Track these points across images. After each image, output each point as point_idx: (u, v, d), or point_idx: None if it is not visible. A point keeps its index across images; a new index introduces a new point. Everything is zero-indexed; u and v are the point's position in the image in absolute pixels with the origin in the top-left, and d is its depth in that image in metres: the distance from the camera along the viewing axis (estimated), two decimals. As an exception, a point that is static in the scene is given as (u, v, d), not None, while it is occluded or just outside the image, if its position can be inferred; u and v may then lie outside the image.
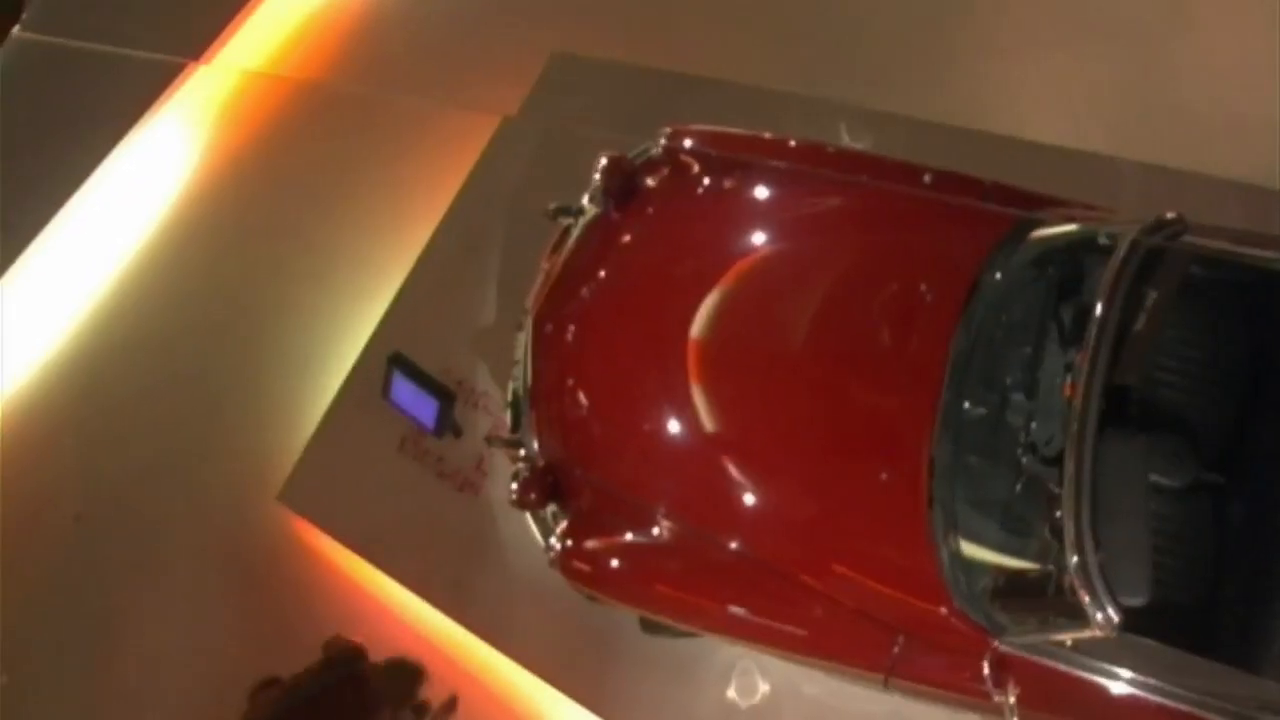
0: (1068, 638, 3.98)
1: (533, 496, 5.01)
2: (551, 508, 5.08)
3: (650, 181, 5.39)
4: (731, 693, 5.73)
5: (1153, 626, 3.99)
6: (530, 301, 5.37)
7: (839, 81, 7.10)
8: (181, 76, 9.09)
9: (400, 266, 7.42)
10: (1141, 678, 4.08)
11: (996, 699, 4.13)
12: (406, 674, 5.98)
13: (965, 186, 4.97)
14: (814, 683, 5.54)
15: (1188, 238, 4.38)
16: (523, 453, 5.20)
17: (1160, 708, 4.09)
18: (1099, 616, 3.77)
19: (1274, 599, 4.12)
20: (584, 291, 5.26)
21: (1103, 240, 4.47)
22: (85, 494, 7.54)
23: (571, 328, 5.20)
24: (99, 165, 8.65)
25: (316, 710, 5.53)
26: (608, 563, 4.95)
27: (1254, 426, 4.63)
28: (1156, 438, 4.34)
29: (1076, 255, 4.60)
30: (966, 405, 4.38)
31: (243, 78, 9.16)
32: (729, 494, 4.73)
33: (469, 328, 6.97)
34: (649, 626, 5.48)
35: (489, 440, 5.86)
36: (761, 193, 5.19)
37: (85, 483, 7.58)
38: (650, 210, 5.34)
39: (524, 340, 5.31)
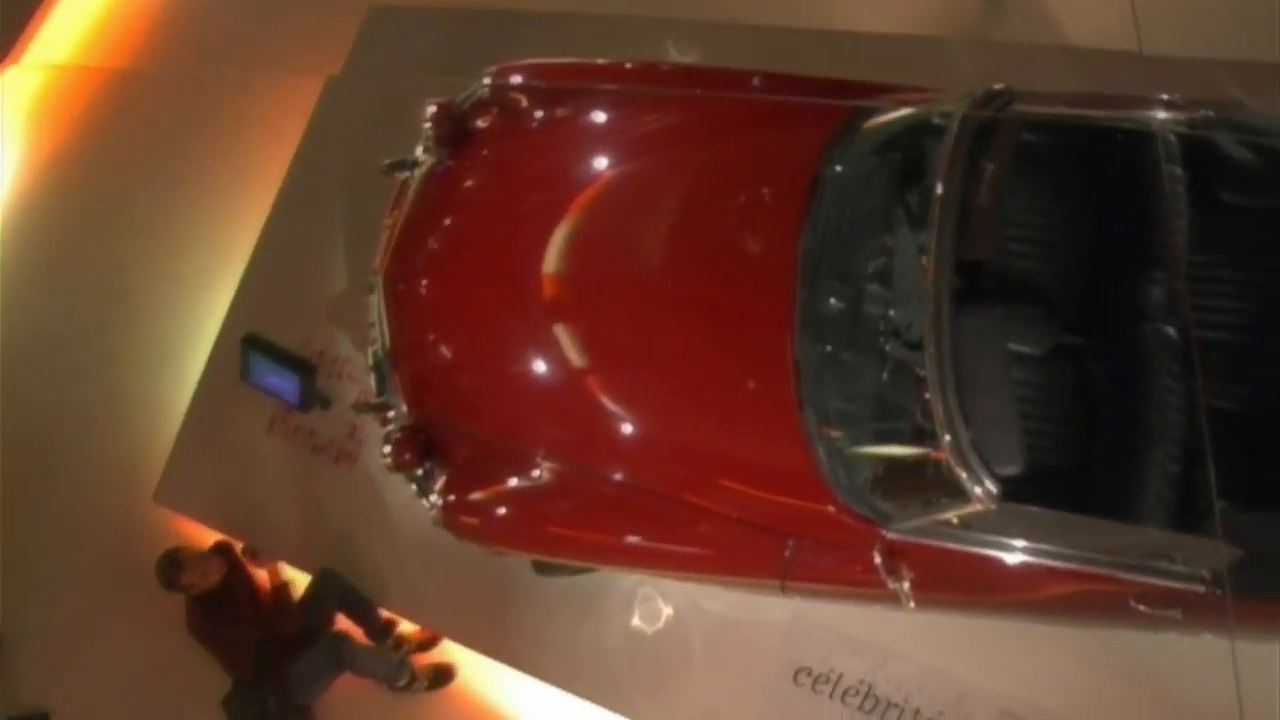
0: (952, 516, 4.03)
1: (407, 457, 4.93)
2: (429, 465, 4.99)
3: (481, 123, 5.29)
4: (636, 620, 5.76)
5: (1033, 493, 4.05)
6: (377, 261, 5.25)
7: (658, -1, 7.06)
8: (-7, 81, 8.77)
9: (244, 245, 7.23)
10: (1029, 544, 4.17)
11: (891, 586, 4.18)
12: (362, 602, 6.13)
13: (795, 85, 4.94)
14: (715, 599, 5.60)
15: (1018, 106, 4.41)
16: (391, 414, 5.11)
17: (1051, 570, 4.19)
18: (977, 490, 3.83)
19: (1143, 448, 4.19)
20: (430, 243, 5.15)
21: (936, 120, 4.48)
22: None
23: (423, 282, 5.10)
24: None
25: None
26: (494, 512, 4.89)
27: (1106, 285, 4.70)
28: (1012, 308, 4.40)
29: (915, 138, 4.60)
30: (823, 302, 4.38)
31: (54, 73, 8.81)
32: (605, 426, 4.70)
33: (322, 297, 6.83)
34: (543, 568, 5.47)
35: (356, 407, 5.76)
36: (594, 119, 5.12)
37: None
38: (485, 152, 5.25)
39: (376, 301, 5.19)
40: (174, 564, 5.73)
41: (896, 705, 5.30)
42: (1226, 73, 5.43)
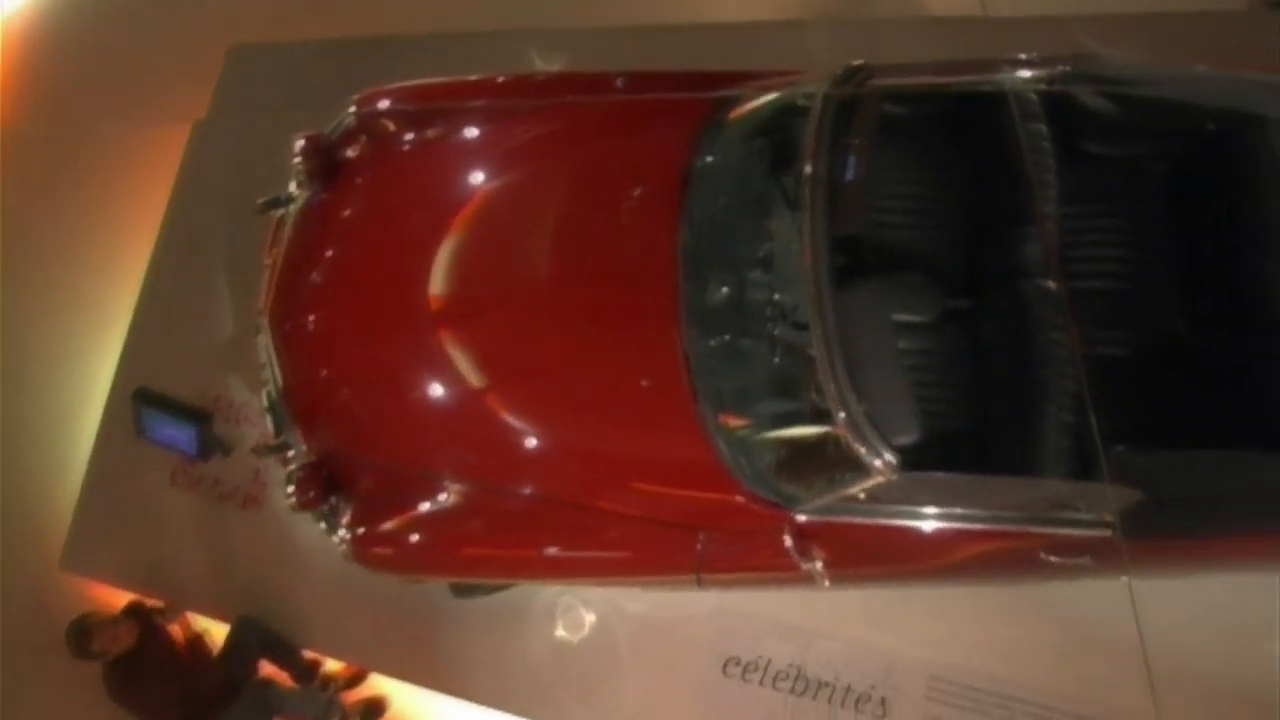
0: (857, 491, 4.06)
1: (311, 495, 4.87)
2: (334, 501, 4.94)
3: (351, 153, 5.24)
4: (561, 631, 5.75)
5: (935, 458, 4.11)
6: (261, 302, 5.19)
7: (519, 8, 7.02)
8: None
9: (127, 299, 7.11)
10: (937, 509, 4.23)
11: (805, 568, 4.21)
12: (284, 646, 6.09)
13: (658, 82, 4.96)
14: (636, 600, 5.61)
15: (878, 80, 4.46)
16: (291, 454, 5.05)
17: (961, 533, 4.25)
18: (877, 463, 3.88)
19: (1037, 402, 4.25)
20: (312, 278, 5.10)
21: (801, 102, 4.52)
22: None
23: (309, 317, 5.04)
24: None
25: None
26: (407, 540, 4.86)
27: (985, 247, 4.76)
28: (894, 279, 4.45)
29: (782, 122, 4.63)
30: (708, 294, 4.41)
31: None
32: (506, 441, 4.67)
33: (211, 343, 6.74)
34: (460, 590, 5.44)
35: (256, 450, 5.69)
36: (465, 136, 5.10)
37: None
38: (358, 181, 5.20)
39: (265, 342, 5.13)
40: (83, 632, 5.60)
41: (828, 684, 5.36)
42: (1076, 27, 5.55)
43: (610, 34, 6.74)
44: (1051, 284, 4.49)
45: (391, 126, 5.21)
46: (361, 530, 4.85)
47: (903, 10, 6.30)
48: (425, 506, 4.78)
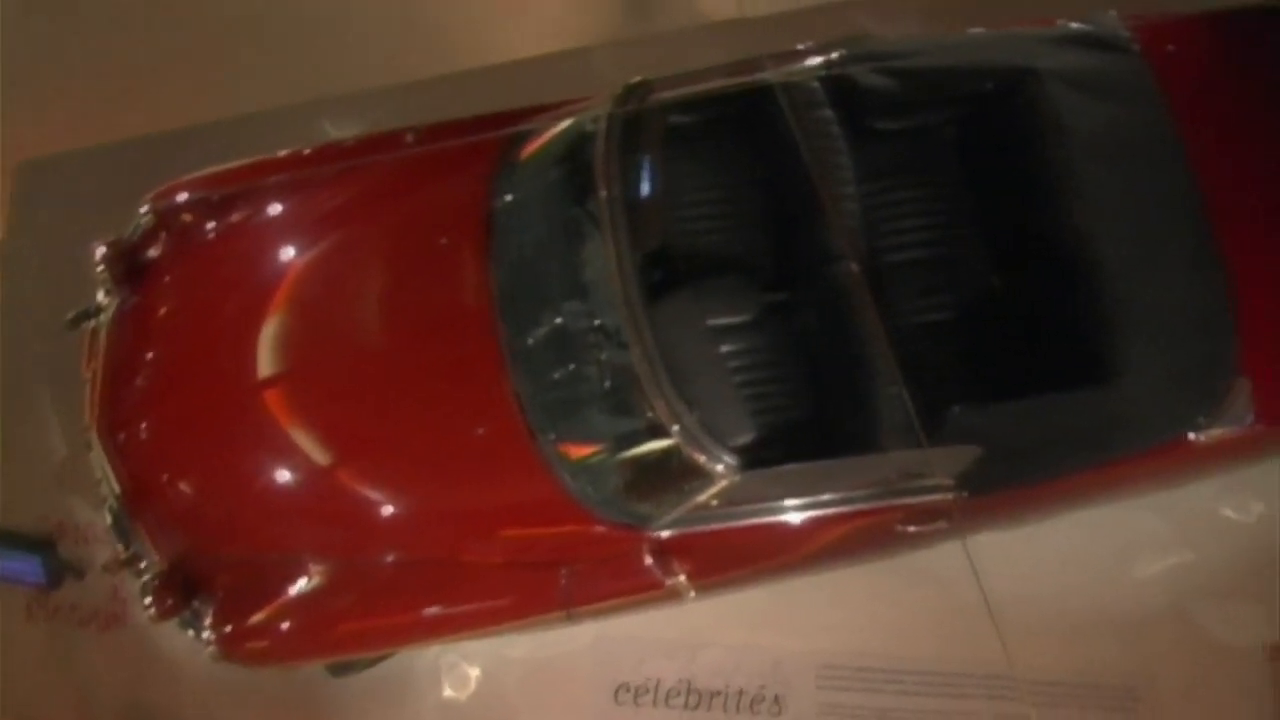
0: (706, 499, 4.12)
1: (169, 603, 4.73)
2: (195, 604, 4.83)
3: (154, 252, 5.15)
4: (448, 691, 5.68)
5: (776, 453, 4.18)
6: (89, 416, 5.07)
7: (305, 81, 6.96)
8: None
9: (-50, 439, 6.88)
10: (790, 501, 4.30)
11: (669, 583, 4.25)
12: None
13: (448, 131, 4.97)
14: (517, 645, 5.57)
15: (660, 93, 4.54)
16: (144, 564, 4.93)
17: (817, 521, 4.35)
18: (719, 468, 3.95)
19: (868, 379, 4.32)
20: (138, 383, 4.99)
21: (589, 127, 4.57)
22: None
23: (141, 423, 4.93)
24: None
25: None
26: (278, 628, 4.76)
27: (791, 239, 4.85)
28: (704, 284, 4.52)
29: (575, 149, 4.67)
30: (529, 332, 4.44)
31: None
32: (360, 512, 4.64)
33: (45, 467, 6.53)
34: (337, 670, 5.35)
35: (106, 568, 5.52)
36: (268, 214, 5.05)
37: None
38: (167, 278, 5.11)
39: (98, 456, 5.01)
40: None
41: (719, 692, 5.39)
42: (842, 13, 5.70)
43: (403, 90, 6.71)
44: (855, 265, 4.58)
45: (189, 218, 5.13)
46: (228, 628, 4.74)
47: (680, 20, 6.39)
48: (290, 591, 4.70)
